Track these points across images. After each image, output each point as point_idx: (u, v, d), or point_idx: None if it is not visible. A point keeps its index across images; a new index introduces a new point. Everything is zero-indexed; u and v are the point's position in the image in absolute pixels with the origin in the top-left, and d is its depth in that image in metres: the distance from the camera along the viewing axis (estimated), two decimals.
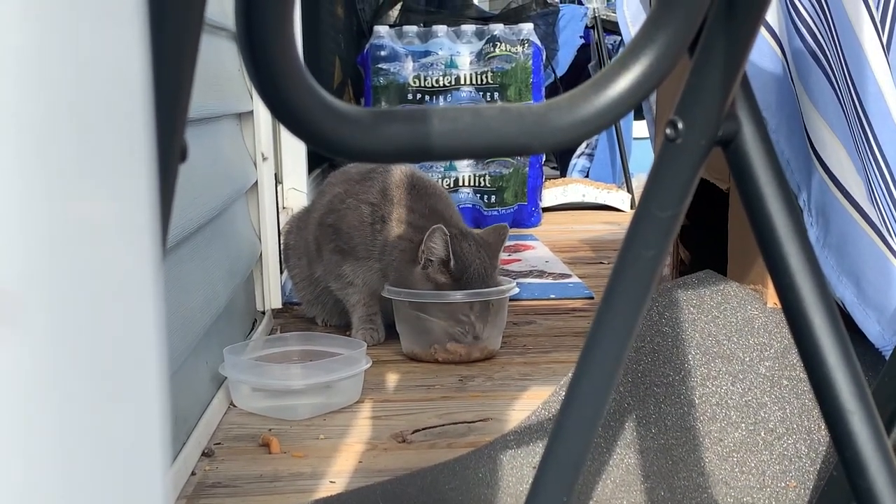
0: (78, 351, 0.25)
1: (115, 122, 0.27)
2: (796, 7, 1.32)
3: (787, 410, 1.27)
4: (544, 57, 3.71)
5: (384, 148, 0.54)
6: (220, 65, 1.85)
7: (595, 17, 4.29)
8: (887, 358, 1.24)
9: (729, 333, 1.37)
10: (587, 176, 4.39)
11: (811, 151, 1.33)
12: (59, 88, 0.24)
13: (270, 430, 1.55)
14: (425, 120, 0.55)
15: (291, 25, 0.51)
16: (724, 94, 0.64)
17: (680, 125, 0.64)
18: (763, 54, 1.36)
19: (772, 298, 1.42)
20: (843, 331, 0.64)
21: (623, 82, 0.60)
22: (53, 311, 0.24)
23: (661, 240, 0.68)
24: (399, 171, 2.11)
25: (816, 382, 0.64)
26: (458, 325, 1.91)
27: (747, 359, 1.34)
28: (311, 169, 3.03)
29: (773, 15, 1.36)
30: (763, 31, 1.36)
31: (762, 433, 1.26)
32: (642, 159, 4.02)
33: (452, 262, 1.92)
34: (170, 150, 0.50)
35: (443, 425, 1.57)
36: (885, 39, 1.27)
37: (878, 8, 1.28)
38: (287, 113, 0.52)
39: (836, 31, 1.27)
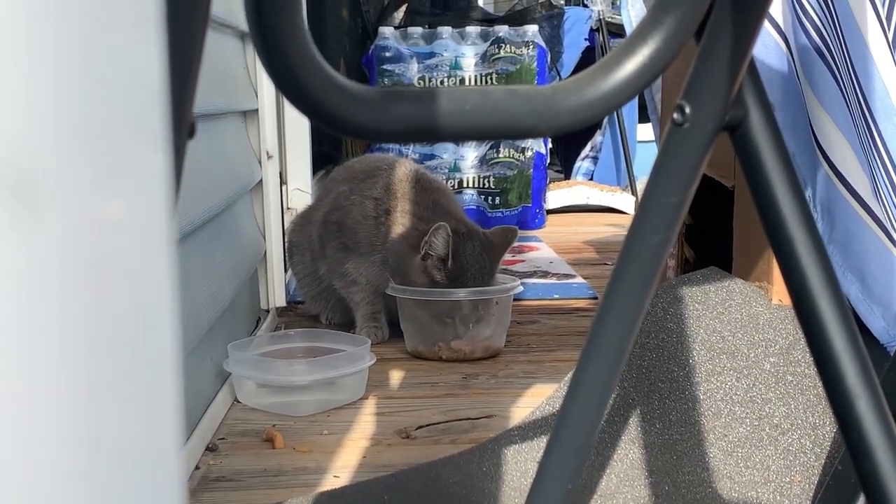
0: (95, 345, 0.25)
1: (132, 118, 0.28)
2: (802, 4, 1.32)
3: (792, 406, 1.27)
4: (549, 59, 3.71)
5: (392, 127, 0.55)
6: (225, 62, 1.85)
7: (600, 20, 4.29)
8: (892, 354, 1.24)
9: (734, 330, 1.37)
10: (591, 178, 4.39)
11: (816, 148, 1.33)
12: (75, 80, 0.25)
13: (274, 425, 1.55)
14: (433, 100, 0.55)
15: (300, 4, 0.51)
16: (731, 79, 0.64)
17: (687, 109, 0.64)
18: (769, 50, 1.37)
19: (776, 295, 1.42)
20: (850, 315, 0.64)
21: (630, 65, 0.60)
22: (70, 302, 0.24)
23: (668, 225, 0.67)
24: (403, 168, 2.12)
25: (823, 367, 0.64)
26: (441, 325, 1.92)
27: (752, 355, 1.34)
28: (315, 170, 3.04)
29: (779, 11, 1.36)
30: (769, 27, 1.36)
31: (767, 429, 1.26)
32: (647, 162, 4.02)
33: (451, 263, 1.92)
34: (179, 127, 0.51)
35: (447, 422, 1.57)
36: (890, 37, 1.27)
37: (883, 6, 1.28)
38: (296, 91, 0.53)
39: (840, 28, 1.27)
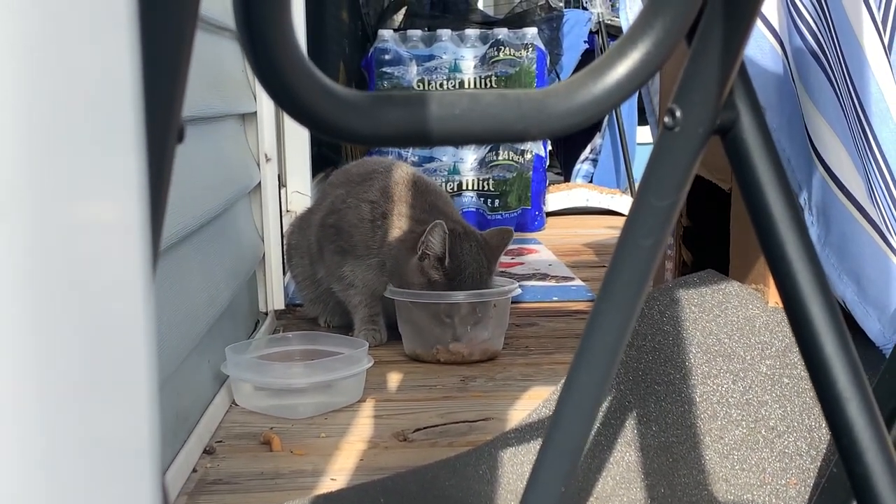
0: (65, 352, 0.25)
1: (106, 120, 0.27)
2: (797, 7, 1.32)
3: (788, 408, 1.27)
4: (548, 61, 3.71)
5: (382, 132, 0.55)
6: (223, 65, 1.86)
7: (599, 22, 4.29)
8: (888, 356, 1.24)
9: (730, 332, 1.37)
10: (591, 181, 4.39)
11: (811, 150, 1.33)
12: (48, 85, 0.24)
13: (272, 428, 1.55)
14: (423, 104, 0.55)
15: (289, 8, 0.51)
16: (722, 82, 0.64)
17: (678, 113, 0.64)
18: (764, 53, 1.37)
19: (773, 297, 1.42)
20: (841, 319, 0.64)
21: (621, 69, 0.60)
22: (40, 310, 0.24)
23: (659, 229, 0.68)
24: (400, 171, 2.12)
25: (814, 370, 0.64)
26: (439, 326, 1.92)
27: (748, 357, 1.34)
28: (314, 173, 3.04)
29: (774, 14, 1.37)
30: (764, 29, 1.36)
31: (763, 431, 1.26)
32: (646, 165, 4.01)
33: (448, 261, 1.92)
34: (167, 132, 0.51)
35: (444, 424, 1.58)
36: (886, 40, 1.27)
37: (879, 8, 1.28)
38: (286, 96, 0.53)
39: (835, 31, 1.27)
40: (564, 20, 4.14)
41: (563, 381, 0.74)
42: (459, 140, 0.58)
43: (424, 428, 1.56)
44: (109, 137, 0.28)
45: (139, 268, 0.29)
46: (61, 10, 0.25)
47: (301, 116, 0.53)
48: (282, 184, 2.68)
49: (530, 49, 3.58)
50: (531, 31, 3.63)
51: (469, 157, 3.61)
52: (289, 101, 0.52)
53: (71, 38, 0.26)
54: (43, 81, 0.24)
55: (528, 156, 3.62)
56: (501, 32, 3.61)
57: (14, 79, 0.23)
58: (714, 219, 1.70)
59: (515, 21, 3.93)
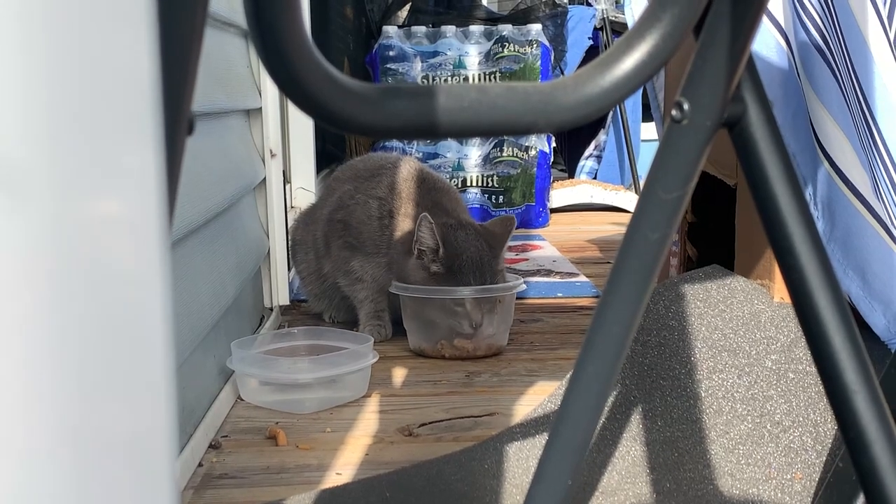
0: (84, 344, 0.25)
1: (123, 113, 0.28)
2: (802, 2, 1.32)
3: (793, 403, 1.27)
4: (553, 58, 3.71)
5: (390, 123, 0.55)
6: (228, 61, 1.86)
7: (604, 19, 4.29)
8: (893, 351, 1.24)
9: (735, 327, 1.37)
10: (595, 177, 4.39)
11: (816, 145, 1.33)
12: (66, 78, 0.25)
13: (277, 423, 1.56)
14: (431, 96, 0.55)
15: (299, 0, 0.51)
16: (729, 75, 0.64)
17: (686, 106, 0.64)
18: (769, 48, 1.37)
19: (778, 293, 1.42)
20: (848, 311, 0.64)
21: (628, 62, 0.60)
22: (59, 305, 0.24)
23: (667, 222, 0.68)
24: (407, 167, 2.12)
25: (821, 363, 0.64)
26: (453, 318, 1.91)
27: (753, 352, 1.34)
28: (319, 169, 3.04)
29: (779, 9, 1.36)
30: (769, 24, 1.36)
31: (768, 426, 1.26)
32: (650, 161, 4.01)
33: (442, 251, 1.92)
34: (178, 124, 0.51)
35: (449, 419, 1.58)
36: (892, 36, 1.27)
37: (885, 5, 1.28)
38: (294, 87, 0.53)
39: (840, 26, 1.27)
40: (569, 17, 4.14)
41: (568, 375, 0.74)
42: (467, 132, 0.58)
43: (430, 423, 1.56)
44: (127, 130, 0.28)
45: (157, 260, 0.29)
46: (80, 5, 0.25)
47: (309, 107, 0.53)
48: (286, 180, 2.68)
49: (534, 45, 3.58)
50: (535, 28, 3.63)
51: (473, 154, 3.61)
52: (297, 91, 0.53)
53: (90, 33, 0.26)
54: (65, 75, 0.24)
55: (533, 152, 3.62)
56: (506, 29, 3.61)
57: (36, 72, 0.23)
58: (719, 215, 1.70)
59: (520, 17, 3.93)
